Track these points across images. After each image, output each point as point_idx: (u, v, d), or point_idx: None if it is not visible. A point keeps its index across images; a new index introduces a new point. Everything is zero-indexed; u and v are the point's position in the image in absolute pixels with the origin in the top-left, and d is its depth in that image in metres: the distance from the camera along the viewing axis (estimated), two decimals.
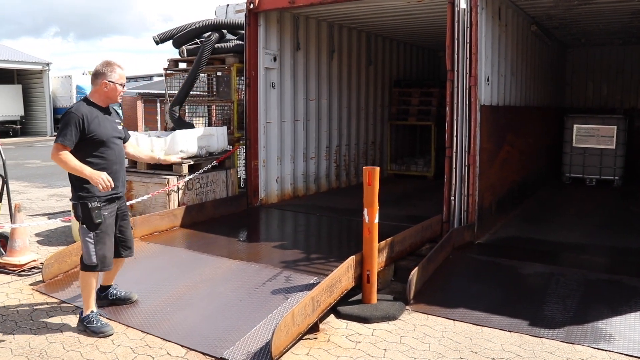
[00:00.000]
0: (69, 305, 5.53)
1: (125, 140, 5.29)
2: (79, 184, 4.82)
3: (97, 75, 4.92)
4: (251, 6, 8.79)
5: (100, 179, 4.65)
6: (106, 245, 4.92)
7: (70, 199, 5.10)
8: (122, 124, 5.25)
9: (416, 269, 5.62)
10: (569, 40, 12.81)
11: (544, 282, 5.88)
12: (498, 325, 4.97)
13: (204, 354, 4.47)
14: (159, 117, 29.58)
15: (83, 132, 4.75)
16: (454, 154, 7.18)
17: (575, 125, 12.14)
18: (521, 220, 8.73)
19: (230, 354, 4.39)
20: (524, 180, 9.95)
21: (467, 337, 4.79)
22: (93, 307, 5.00)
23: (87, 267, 4.93)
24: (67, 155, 4.72)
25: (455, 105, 7.13)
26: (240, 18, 9.65)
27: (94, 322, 4.91)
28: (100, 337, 4.82)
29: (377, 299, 5.44)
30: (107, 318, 5.10)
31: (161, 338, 4.75)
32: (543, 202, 10.37)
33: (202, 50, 9.32)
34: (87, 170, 4.69)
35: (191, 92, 9.85)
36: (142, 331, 4.89)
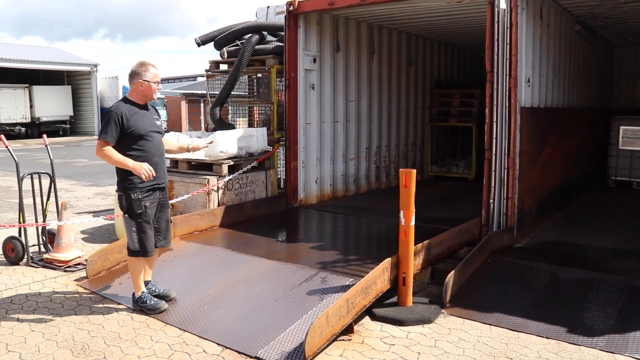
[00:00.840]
0: (110, 301, 5.68)
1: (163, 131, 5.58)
2: (123, 176, 5.17)
3: (132, 76, 5.24)
4: (291, 8, 8.84)
5: (143, 169, 5.00)
6: (147, 234, 5.25)
7: (115, 190, 5.42)
8: (159, 120, 5.47)
9: (453, 272, 5.59)
10: (615, 39, 12.50)
11: (584, 289, 5.76)
12: (535, 331, 4.90)
13: (239, 352, 4.53)
14: (202, 117, 30.03)
15: (123, 127, 5.05)
16: (494, 156, 7.11)
17: (621, 127, 11.85)
18: (563, 224, 8.57)
19: (264, 353, 4.45)
20: (567, 183, 9.77)
21: (502, 342, 4.74)
22: (143, 288, 5.41)
23: (131, 252, 5.32)
24: (110, 151, 5.06)
25: (494, 107, 7.05)
26: (281, 20, 9.73)
27: (148, 302, 5.32)
28: (157, 314, 5.25)
29: (413, 302, 5.43)
30: (154, 299, 5.39)
31: (198, 336, 4.84)
32: (586, 206, 10.15)
33: (243, 51, 9.43)
34: (129, 162, 5.02)
35: (232, 93, 9.98)
36: (179, 328, 5.00)
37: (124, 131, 5.05)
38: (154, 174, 5.07)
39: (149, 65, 5.21)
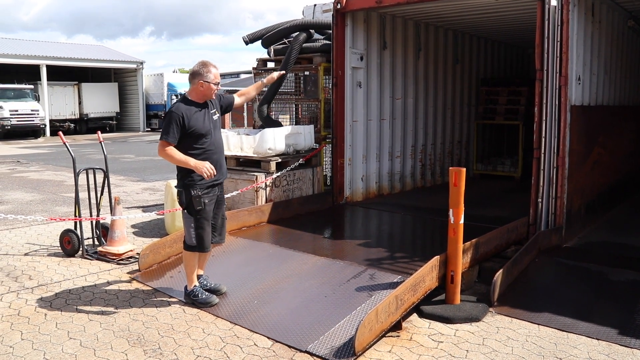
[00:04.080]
0: (162, 294, 5.85)
1: (229, 101, 5.78)
2: (184, 172, 5.30)
3: (194, 76, 5.34)
4: (338, 6, 8.89)
5: (205, 168, 5.13)
6: (205, 230, 5.38)
7: (175, 186, 5.58)
8: (217, 112, 5.55)
9: (501, 271, 5.58)
10: None
11: (635, 290, 5.68)
12: (585, 332, 4.85)
13: (289, 346, 4.62)
14: (245, 114, 30.31)
15: (183, 128, 5.18)
16: (542, 155, 7.04)
17: None
18: (613, 225, 8.43)
19: (314, 348, 4.53)
20: (617, 183, 9.59)
21: (551, 342, 4.72)
22: (196, 282, 5.56)
23: (188, 247, 5.45)
24: (172, 150, 5.18)
25: (544, 106, 6.98)
26: (328, 18, 9.79)
27: (200, 295, 5.47)
28: (208, 307, 5.39)
29: (461, 300, 5.43)
30: (205, 294, 5.53)
31: (248, 329, 4.95)
32: (638, 207, 9.94)
33: (290, 50, 9.53)
34: (191, 162, 5.15)
35: (279, 91, 10.08)
36: (230, 322, 5.11)
37: (185, 131, 5.17)
38: (215, 173, 5.20)
39: (210, 66, 5.32)
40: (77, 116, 34.71)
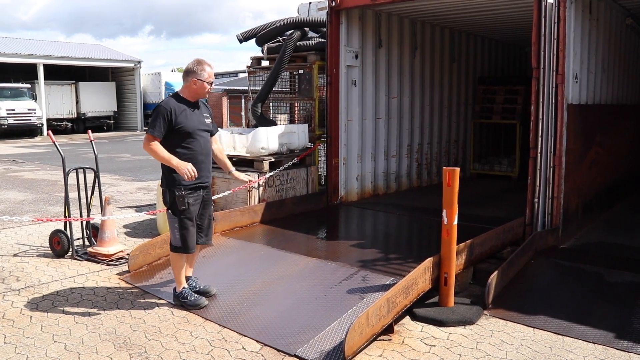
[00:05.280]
0: (151, 295, 5.74)
1: (212, 134, 5.59)
2: (168, 173, 5.20)
3: (188, 73, 5.28)
4: (333, 4, 8.80)
5: (186, 169, 5.02)
6: (189, 230, 5.28)
7: (160, 185, 5.50)
8: (209, 118, 5.47)
9: (496, 272, 5.48)
10: None
11: (633, 292, 5.58)
12: (581, 335, 4.75)
13: (278, 350, 4.52)
14: (243, 113, 30.23)
15: (171, 123, 5.09)
16: (539, 154, 6.95)
17: None
18: (610, 226, 8.33)
19: (303, 352, 4.42)
20: (615, 183, 9.50)
21: (546, 346, 4.62)
22: (184, 283, 5.46)
23: (173, 247, 5.38)
24: (157, 146, 5.09)
25: (540, 104, 6.89)
26: (322, 16, 9.68)
27: (188, 297, 5.37)
28: (197, 309, 5.29)
29: (454, 302, 5.33)
30: (194, 296, 5.42)
31: (237, 332, 4.85)
32: (636, 207, 9.85)
33: (284, 48, 9.43)
34: (174, 161, 5.05)
35: (273, 90, 9.98)
36: (219, 324, 5.01)
37: (172, 127, 5.08)
38: (197, 175, 5.09)
39: (205, 64, 5.25)
40: (75, 115, 34.62)
